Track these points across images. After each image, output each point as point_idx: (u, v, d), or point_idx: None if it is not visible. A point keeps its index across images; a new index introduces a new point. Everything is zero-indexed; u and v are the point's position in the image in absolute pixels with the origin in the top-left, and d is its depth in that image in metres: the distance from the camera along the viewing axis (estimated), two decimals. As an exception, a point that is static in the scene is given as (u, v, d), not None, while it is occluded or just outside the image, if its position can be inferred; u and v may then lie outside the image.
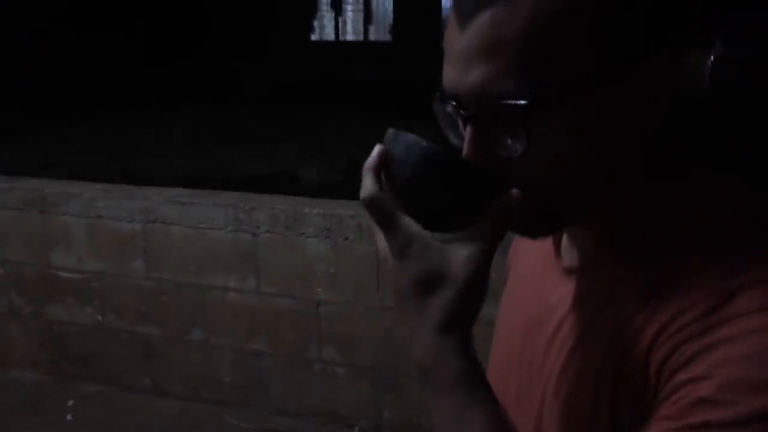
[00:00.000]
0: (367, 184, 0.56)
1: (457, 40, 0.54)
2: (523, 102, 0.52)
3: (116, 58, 9.22)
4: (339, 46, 14.38)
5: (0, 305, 2.65)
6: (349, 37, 15.52)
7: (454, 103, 0.56)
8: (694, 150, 0.61)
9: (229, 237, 2.27)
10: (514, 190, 0.54)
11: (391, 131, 0.57)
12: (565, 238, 0.68)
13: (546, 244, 0.71)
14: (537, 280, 0.72)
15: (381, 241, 0.57)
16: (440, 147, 0.55)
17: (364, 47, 14.45)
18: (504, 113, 0.53)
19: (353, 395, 2.23)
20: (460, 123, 0.56)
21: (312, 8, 14.66)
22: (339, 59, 11.61)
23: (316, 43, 14.70)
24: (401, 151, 0.55)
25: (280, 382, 2.33)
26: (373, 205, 0.56)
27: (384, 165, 0.56)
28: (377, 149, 0.57)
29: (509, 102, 0.52)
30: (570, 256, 0.67)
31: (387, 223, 0.56)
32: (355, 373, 2.22)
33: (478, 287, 0.55)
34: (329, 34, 15.31)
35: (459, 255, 0.54)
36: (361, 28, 15.16)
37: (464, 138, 0.56)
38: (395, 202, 0.56)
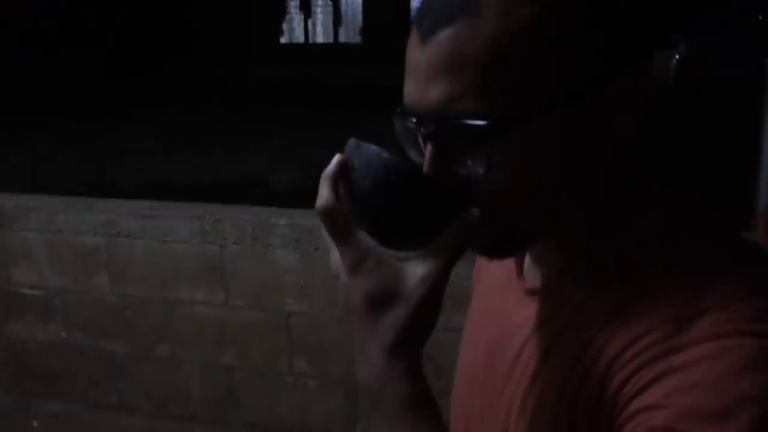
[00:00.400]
0: (324, 194, 0.54)
1: (419, 56, 0.53)
2: (484, 122, 0.50)
3: (86, 66, 9.08)
4: (309, 48, 14.32)
5: (-41, 324, 2.57)
6: (320, 39, 15.47)
7: (414, 120, 0.54)
8: (655, 168, 0.60)
9: (195, 249, 2.22)
10: (475, 210, 0.53)
11: (352, 141, 0.54)
12: (527, 258, 0.67)
13: (508, 263, 0.70)
14: (499, 299, 0.71)
15: (334, 254, 0.55)
16: (402, 161, 0.53)
17: (334, 49, 14.40)
18: (465, 132, 0.51)
19: (326, 408, 2.19)
20: (421, 141, 0.55)
21: (280, 11, 14.59)
22: (309, 61, 11.57)
23: (285, 45, 14.63)
24: (362, 162, 0.53)
25: (250, 396, 2.29)
26: (327, 216, 0.54)
27: (343, 175, 0.54)
28: (337, 158, 0.55)
29: (470, 122, 0.51)
30: (532, 276, 0.66)
31: (341, 235, 0.54)
32: (328, 385, 2.18)
33: (432, 308, 0.53)
34: (299, 37, 15.25)
35: (414, 273, 0.52)
36: (330, 30, 15.13)
37: (425, 156, 0.54)
38: (352, 215, 0.54)
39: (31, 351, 2.51)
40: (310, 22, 15.31)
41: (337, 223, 0.54)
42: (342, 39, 15.20)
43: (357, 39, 14.84)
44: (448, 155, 0.53)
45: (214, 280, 2.23)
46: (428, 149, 0.53)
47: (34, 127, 7.27)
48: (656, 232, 0.55)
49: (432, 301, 0.52)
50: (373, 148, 0.53)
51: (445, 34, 0.51)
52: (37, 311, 2.46)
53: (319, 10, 15.37)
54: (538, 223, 0.57)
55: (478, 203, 0.53)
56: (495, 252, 0.59)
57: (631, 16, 0.53)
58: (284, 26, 15.39)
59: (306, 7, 15.04)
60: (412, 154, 0.58)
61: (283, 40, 15.38)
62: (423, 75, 0.53)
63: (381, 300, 0.52)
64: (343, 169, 0.54)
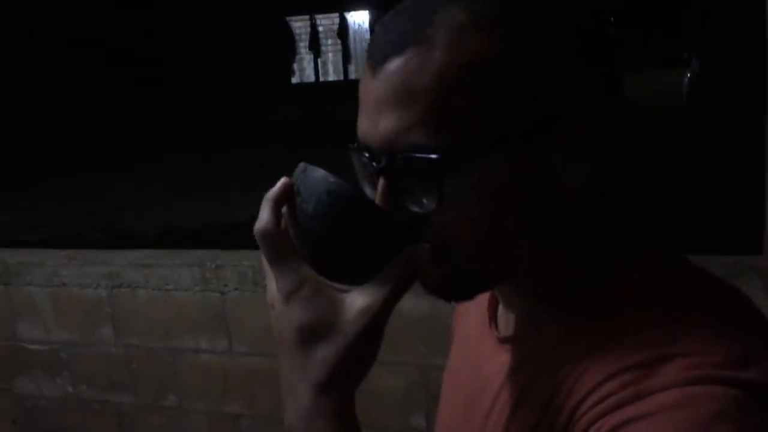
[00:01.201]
0: (263, 216, 0.51)
1: (370, 88, 0.51)
2: (434, 156, 0.48)
3: (94, 113, 9.23)
4: (320, 86, 14.48)
5: (-32, 383, 2.56)
6: (330, 77, 15.64)
7: (366, 155, 0.52)
8: (614, 209, 0.57)
9: (197, 297, 2.20)
10: (426, 245, 0.50)
11: (301, 165, 0.52)
12: (500, 306, 0.65)
13: (483, 311, 0.68)
14: (474, 349, 0.69)
15: (270, 281, 0.51)
16: (352, 187, 0.49)
17: (344, 86, 14.57)
18: (415, 166, 0.49)
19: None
20: (374, 175, 0.53)
21: (291, 51, 14.80)
22: (320, 100, 11.67)
23: (296, 85, 14.81)
24: (307, 186, 0.50)
25: (260, 444, 2.24)
26: (265, 239, 0.51)
27: (287, 198, 0.51)
28: (282, 181, 0.52)
29: (419, 155, 0.49)
30: (505, 325, 0.64)
31: (278, 260, 0.50)
32: (336, 430, 2.13)
33: (369, 344, 0.49)
34: (310, 76, 15.44)
35: (353, 306, 0.49)
36: (341, 68, 15.30)
37: (377, 190, 0.52)
38: (292, 240, 0.51)
39: (39, 407, 2.49)
40: (320, 61, 15.50)
41: (274, 247, 0.50)
42: (352, 76, 15.36)
43: (367, 75, 14.95)
44: (400, 189, 0.51)
45: (216, 327, 2.20)
46: (380, 184, 0.52)
47: (37, 182, 7.38)
48: (622, 272, 0.53)
49: (370, 335, 0.49)
50: (320, 172, 0.50)
51: (394, 65, 0.50)
52: (44, 366, 2.45)
53: (328, 49, 15.57)
54: (493, 266, 0.54)
55: (430, 241, 0.50)
56: (447, 293, 0.57)
57: (587, 56, 0.51)
58: (295, 66, 15.60)
59: (315, 47, 15.24)
60: (368, 190, 0.56)
61: (294, 80, 15.58)
62: (373, 107, 0.51)
63: (314, 331, 0.49)
64: (287, 192, 0.51)
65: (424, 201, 0.50)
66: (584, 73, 0.51)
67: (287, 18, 14.49)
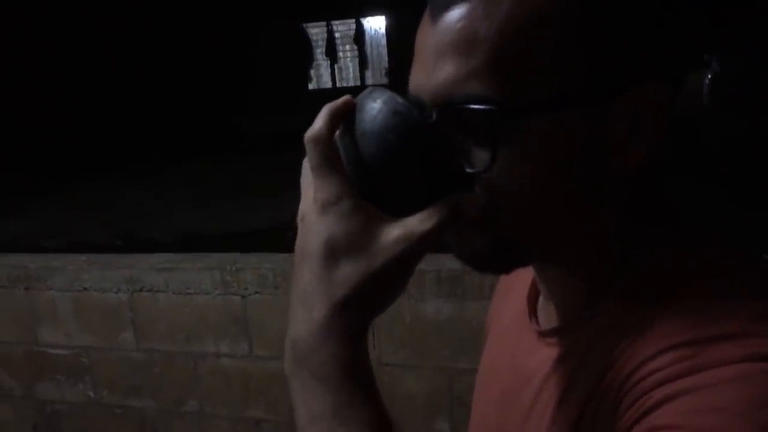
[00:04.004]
0: (318, 123, 0.48)
1: (429, 36, 0.49)
2: (492, 107, 0.46)
3: (111, 122, 9.31)
4: (337, 92, 14.51)
5: (-10, 388, 2.56)
6: (347, 83, 15.66)
7: (418, 108, 0.49)
8: (669, 190, 0.54)
9: (217, 301, 2.18)
10: (477, 195, 0.47)
11: (369, 88, 0.49)
12: (541, 299, 0.63)
13: (520, 306, 0.65)
14: (512, 344, 0.66)
15: (307, 192, 0.48)
16: (418, 113, 0.47)
17: (361, 91, 14.55)
18: (470, 119, 0.47)
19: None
20: None
21: (308, 58, 14.85)
22: (337, 106, 11.67)
23: (313, 91, 14.86)
24: (372, 105, 0.47)
25: (281, 450, 2.22)
26: (315, 144, 0.48)
27: (346, 113, 0.49)
28: (346, 96, 0.49)
29: (477, 107, 0.46)
30: (546, 318, 0.61)
31: (323, 168, 0.47)
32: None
33: (394, 276, 0.46)
34: (326, 82, 15.47)
35: (388, 234, 0.46)
36: (357, 73, 15.32)
37: None
38: (343, 156, 0.48)
39: (61, 412, 2.49)
40: (336, 67, 15.54)
41: (322, 154, 0.48)
42: (369, 81, 15.38)
43: (384, 80, 14.98)
44: (452, 146, 0.49)
45: (237, 331, 2.19)
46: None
47: (56, 191, 7.45)
48: (672, 259, 0.50)
49: (398, 268, 0.46)
50: (389, 92, 0.48)
51: (458, 12, 0.47)
52: (65, 371, 2.44)
53: (345, 54, 15.61)
54: (538, 238, 0.51)
55: (479, 203, 0.48)
56: (484, 263, 0.54)
57: (665, 24, 0.48)
58: (312, 72, 15.63)
59: (332, 53, 15.27)
60: None
61: (311, 86, 15.62)
62: (431, 56, 0.49)
63: (343, 248, 0.46)
64: (348, 108, 0.49)
65: (476, 159, 0.48)
66: (660, 47, 0.48)
67: (304, 24, 14.54)
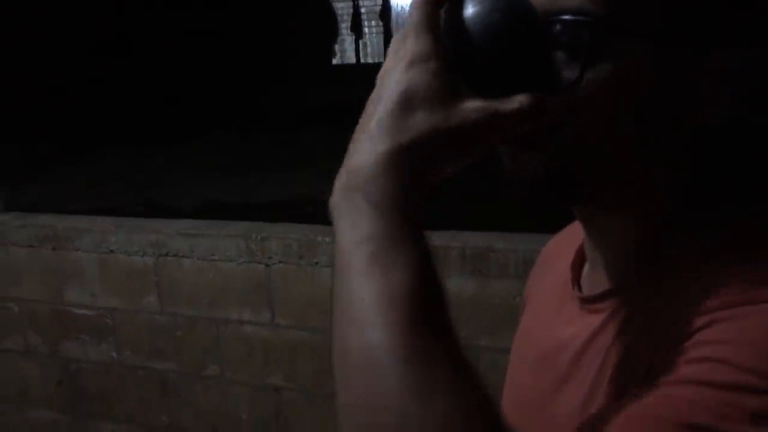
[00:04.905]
0: None
1: None
2: (592, 20, 0.46)
3: (138, 93, 9.34)
4: (361, 68, 14.44)
5: (16, 344, 2.61)
6: (372, 59, 15.58)
7: None
8: (744, 164, 0.53)
9: (241, 268, 2.20)
10: (563, 99, 0.47)
11: None
12: (586, 268, 0.62)
13: (562, 276, 0.65)
14: (551, 313, 0.65)
15: (391, 58, 0.48)
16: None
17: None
18: (571, 29, 0.47)
19: (375, 430, 2.13)
20: None
21: (333, 33, 14.77)
22: (361, 82, 11.60)
23: (337, 66, 14.80)
24: None
25: (299, 417, 2.25)
26: (421, 5, 0.48)
27: None
28: None
29: (580, 18, 0.46)
30: (590, 286, 0.60)
31: (422, 26, 0.47)
32: (376, 406, 2.12)
33: (465, 141, 0.46)
34: (350, 58, 15.41)
35: (469, 101, 0.46)
36: (382, 49, 15.23)
37: None
38: (444, 25, 0.48)
39: (84, 371, 2.54)
40: (361, 42, 15.45)
41: (426, 15, 0.48)
42: (393, 58, 15.27)
43: (408, 58, 14.83)
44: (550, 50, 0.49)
45: (260, 299, 2.21)
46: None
47: (88, 157, 7.51)
48: (743, 225, 0.49)
49: (470, 134, 0.46)
50: None
51: None
52: (90, 331, 2.49)
53: (369, 30, 15.51)
54: (599, 168, 0.50)
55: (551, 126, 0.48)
56: (539, 189, 0.52)
57: None
58: (336, 48, 15.56)
59: (357, 29, 15.17)
60: None
61: (335, 61, 15.55)
62: None
63: (421, 99, 0.45)
64: None
65: (566, 71, 0.48)
66: (757, 13, 0.48)
67: (330, -1, 14.44)
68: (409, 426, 0.39)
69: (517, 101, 0.46)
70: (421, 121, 0.45)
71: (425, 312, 0.42)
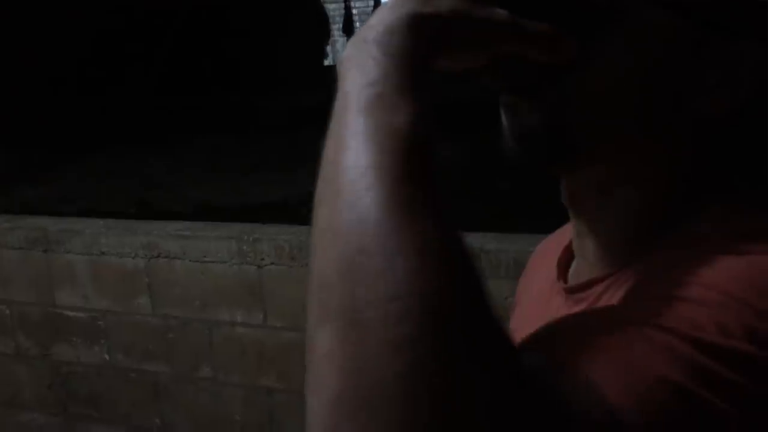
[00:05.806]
0: None
1: None
2: None
3: (132, 95, 9.30)
4: (353, 69, 14.41)
5: (7, 347, 2.61)
6: (363, 60, 15.58)
7: None
8: (743, 154, 0.53)
9: (233, 270, 2.20)
10: (573, 43, 0.47)
11: None
12: (574, 263, 0.62)
13: (551, 273, 0.65)
14: (540, 309, 0.65)
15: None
16: None
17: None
18: None
19: (367, 431, 2.14)
20: None
21: (324, 34, 14.77)
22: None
23: (329, 68, 14.79)
24: None
25: (292, 419, 2.25)
26: None
27: None
28: None
29: None
30: (576, 278, 0.60)
31: None
32: (369, 407, 2.13)
33: (478, 41, 0.46)
34: (343, 59, 15.39)
35: (497, 9, 0.46)
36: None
37: None
38: None
39: (76, 373, 2.53)
40: (353, 44, 15.43)
41: None
42: (385, 60, 15.29)
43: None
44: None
45: (252, 300, 2.21)
46: None
47: (69, 161, 7.48)
48: (741, 214, 0.49)
49: (487, 32, 0.46)
50: None
51: None
52: (82, 333, 2.48)
53: (362, 32, 15.52)
54: (596, 129, 0.50)
55: (557, 80, 0.48)
56: (536, 144, 0.51)
57: None
58: (328, 49, 15.55)
59: (349, 30, 15.18)
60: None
61: (327, 62, 15.55)
62: None
63: None
64: None
65: (582, 22, 0.48)
66: None
67: (321, 0, 14.43)
68: (391, 240, 0.37)
69: (534, 26, 0.46)
70: (448, 1, 0.46)
71: (422, 155, 0.41)
